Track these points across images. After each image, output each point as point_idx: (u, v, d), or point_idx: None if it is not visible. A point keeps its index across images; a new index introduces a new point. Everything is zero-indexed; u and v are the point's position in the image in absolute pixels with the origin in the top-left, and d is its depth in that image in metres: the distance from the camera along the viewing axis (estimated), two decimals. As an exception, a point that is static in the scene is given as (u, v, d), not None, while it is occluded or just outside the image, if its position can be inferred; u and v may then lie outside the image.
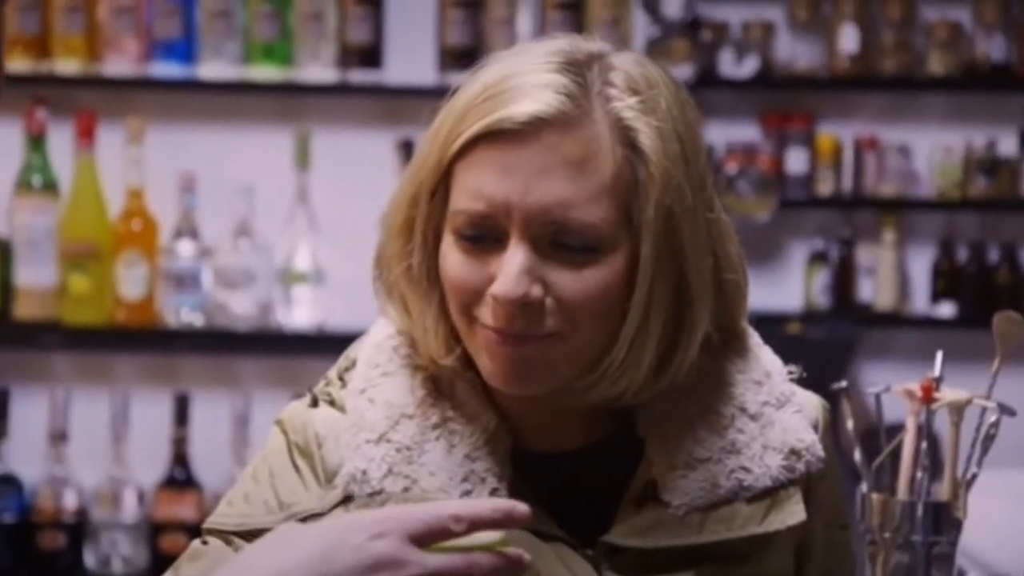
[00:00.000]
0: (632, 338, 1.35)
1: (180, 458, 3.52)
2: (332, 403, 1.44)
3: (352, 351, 1.47)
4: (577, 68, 1.34)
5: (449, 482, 1.39)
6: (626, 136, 1.33)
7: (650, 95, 1.35)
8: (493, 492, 1.39)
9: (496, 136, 1.32)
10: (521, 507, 1.14)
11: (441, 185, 1.36)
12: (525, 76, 1.33)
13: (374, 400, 1.41)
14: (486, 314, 1.34)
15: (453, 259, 1.35)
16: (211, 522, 1.45)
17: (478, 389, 1.40)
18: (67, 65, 3.49)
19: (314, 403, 1.45)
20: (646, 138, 1.33)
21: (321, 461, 1.42)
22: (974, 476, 1.38)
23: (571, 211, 1.32)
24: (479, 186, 1.33)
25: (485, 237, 1.34)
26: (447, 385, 1.41)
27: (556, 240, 1.33)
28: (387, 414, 1.40)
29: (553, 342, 1.35)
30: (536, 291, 1.32)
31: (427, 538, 1.10)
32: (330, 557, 1.08)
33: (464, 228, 1.34)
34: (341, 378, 1.45)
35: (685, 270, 1.36)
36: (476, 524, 1.10)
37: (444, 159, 1.35)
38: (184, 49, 3.50)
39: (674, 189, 1.34)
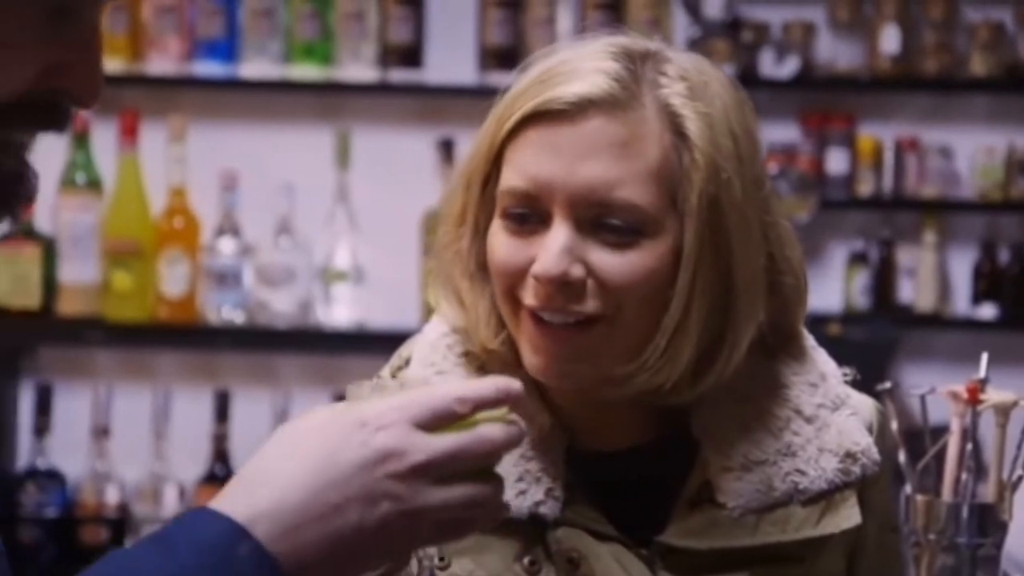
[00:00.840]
0: (674, 327, 1.35)
1: (220, 454, 3.55)
2: None
3: (405, 350, 1.48)
4: (631, 58, 1.35)
5: (505, 481, 1.40)
6: (674, 122, 1.33)
7: (702, 86, 1.35)
8: (548, 491, 1.39)
9: (545, 116, 1.33)
10: (517, 383, 1.10)
11: (493, 170, 1.38)
12: (579, 62, 1.35)
13: None
14: (528, 295, 1.34)
15: (498, 240, 1.36)
16: None
17: (532, 389, 1.38)
18: (110, 64, 3.47)
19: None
20: (692, 124, 1.33)
21: None
22: (1020, 478, 1.37)
23: (614, 191, 1.32)
24: (525, 165, 1.34)
25: (530, 217, 1.34)
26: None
27: (599, 221, 1.33)
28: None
29: (595, 329, 1.35)
30: (576, 271, 1.33)
31: (432, 423, 1.06)
32: (335, 458, 1.03)
33: (510, 208, 1.35)
34: (395, 375, 1.47)
35: (731, 265, 1.36)
36: (480, 405, 1.07)
37: (496, 141, 1.36)
38: (226, 48, 3.54)
39: (722, 181, 1.34)
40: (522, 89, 1.36)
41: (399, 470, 1.02)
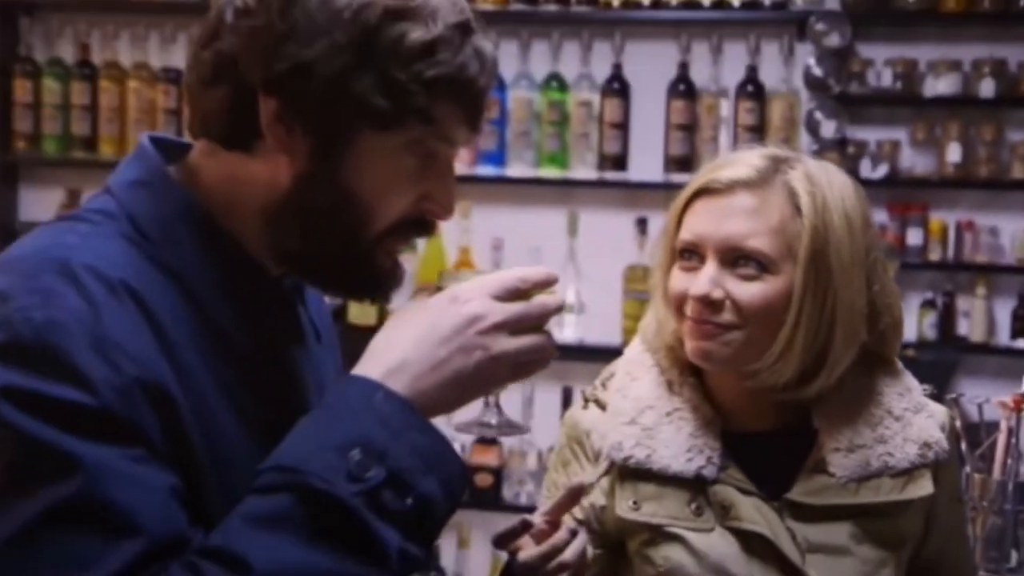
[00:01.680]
0: (786, 341, 1.35)
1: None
2: (597, 402, 1.47)
3: (611, 367, 1.50)
4: (774, 159, 1.38)
5: (678, 451, 1.40)
6: (792, 198, 1.35)
7: (821, 179, 1.37)
8: (708, 459, 1.40)
9: (708, 192, 1.38)
10: (556, 273, 1.05)
11: (676, 230, 1.42)
12: (737, 158, 1.39)
13: (627, 396, 1.44)
14: (688, 309, 1.38)
15: (675, 275, 1.41)
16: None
17: (698, 390, 1.43)
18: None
19: (587, 404, 1.48)
20: (804, 201, 1.34)
21: (590, 447, 1.45)
22: (1051, 464, 1.46)
23: (745, 241, 1.35)
24: (691, 224, 1.38)
25: (693, 258, 1.39)
26: (677, 387, 1.44)
27: (736, 260, 1.36)
28: (636, 406, 1.43)
29: (730, 332, 1.36)
30: (718, 293, 1.35)
31: (504, 295, 1.00)
32: (436, 325, 0.97)
33: (681, 252, 1.40)
34: (604, 385, 1.49)
35: (834, 304, 1.35)
36: (536, 284, 1.01)
37: (677, 210, 1.41)
38: (498, 156, 3.56)
39: (829, 244, 1.34)
40: (697, 175, 1.41)
41: (484, 327, 0.97)
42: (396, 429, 0.93)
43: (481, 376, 0.98)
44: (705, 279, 1.36)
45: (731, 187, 1.35)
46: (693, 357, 1.39)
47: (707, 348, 1.37)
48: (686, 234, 1.39)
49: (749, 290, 1.35)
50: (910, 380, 1.46)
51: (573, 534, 1.24)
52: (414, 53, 0.99)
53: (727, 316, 1.36)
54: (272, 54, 0.98)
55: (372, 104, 0.98)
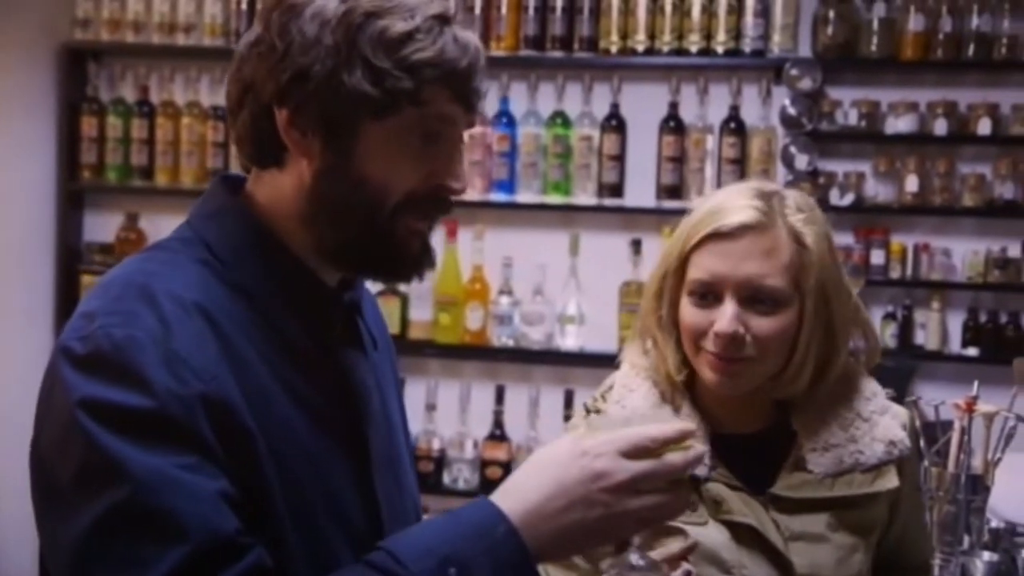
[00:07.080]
0: (800, 362, 1.36)
1: (498, 423, 3.57)
2: (597, 412, 1.47)
3: (608, 381, 1.49)
4: (764, 196, 1.36)
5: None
6: (797, 238, 1.34)
7: (811, 213, 1.37)
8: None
9: (717, 236, 1.35)
10: (691, 426, 1.02)
11: (680, 268, 1.38)
12: (734, 200, 1.36)
13: (624, 407, 1.44)
14: (709, 344, 1.35)
15: (688, 312, 1.37)
16: None
17: (688, 399, 1.43)
18: (441, 193, 3.58)
19: (588, 415, 1.48)
20: (810, 238, 1.34)
21: None
22: (999, 459, 1.38)
23: (763, 281, 1.33)
24: (706, 265, 1.35)
25: (708, 296, 1.36)
26: (668, 396, 1.43)
27: (753, 299, 1.34)
28: (632, 414, 1.42)
29: (749, 363, 1.36)
30: (740, 329, 1.34)
31: (632, 453, 0.96)
32: (564, 476, 0.95)
33: (696, 291, 1.37)
34: (603, 396, 1.48)
35: (834, 323, 1.36)
36: (667, 442, 0.98)
37: (684, 251, 1.37)
38: (509, 185, 3.53)
39: (827, 270, 1.34)
40: (698, 219, 1.36)
41: (608, 486, 0.95)
42: (501, 564, 0.91)
43: (599, 530, 0.95)
44: (730, 317, 1.32)
45: (741, 230, 1.32)
46: (716, 388, 1.36)
47: (731, 382, 1.35)
48: (701, 274, 1.34)
49: (768, 325, 1.33)
50: (875, 385, 1.45)
51: (688, 574, 1.22)
52: (395, 42, 0.98)
53: (749, 351, 1.33)
54: (277, 69, 1.00)
55: (365, 93, 0.97)
